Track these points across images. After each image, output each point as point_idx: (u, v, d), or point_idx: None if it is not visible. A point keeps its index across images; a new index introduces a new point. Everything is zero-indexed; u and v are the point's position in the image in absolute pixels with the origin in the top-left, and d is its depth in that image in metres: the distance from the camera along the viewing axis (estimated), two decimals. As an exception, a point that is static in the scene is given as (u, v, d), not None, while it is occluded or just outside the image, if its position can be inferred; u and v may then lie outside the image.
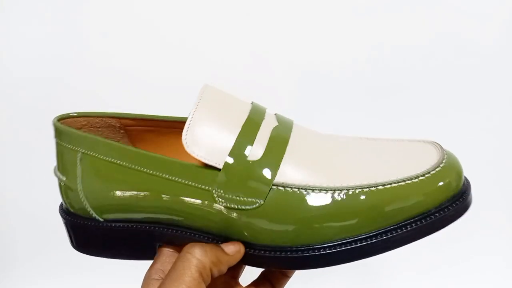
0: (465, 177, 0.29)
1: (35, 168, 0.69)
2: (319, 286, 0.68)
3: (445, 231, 0.27)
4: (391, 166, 0.28)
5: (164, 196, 0.30)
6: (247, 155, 0.28)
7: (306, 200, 0.27)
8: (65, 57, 0.68)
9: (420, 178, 0.27)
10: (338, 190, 0.27)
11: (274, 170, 0.28)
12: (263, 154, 0.28)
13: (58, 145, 0.34)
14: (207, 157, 0.28)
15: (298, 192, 0.27)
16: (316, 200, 0.27)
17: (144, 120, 0.37)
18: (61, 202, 0.35)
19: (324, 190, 0.27)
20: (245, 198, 0.28)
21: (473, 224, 0.65)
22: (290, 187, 0.28)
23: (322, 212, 0.27)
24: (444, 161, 0.28)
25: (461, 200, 0.27)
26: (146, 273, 0.30)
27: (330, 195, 0.27)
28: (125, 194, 0.31)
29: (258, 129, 0.29)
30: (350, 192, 0.27)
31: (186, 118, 0.30)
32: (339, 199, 0.27)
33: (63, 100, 0.67)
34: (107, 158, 0.31)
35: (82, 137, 0.32)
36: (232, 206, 0.28)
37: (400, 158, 0.29)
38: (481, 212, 0.60)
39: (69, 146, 0.32)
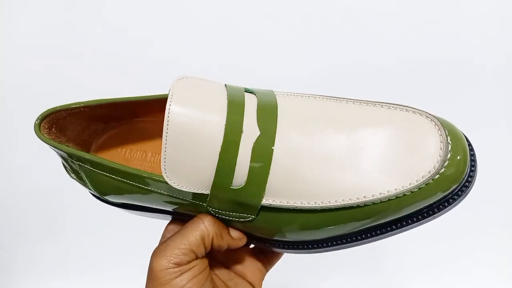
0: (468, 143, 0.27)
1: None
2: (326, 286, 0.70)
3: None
4: (389, 173, 0.26)
5: (163, 203, 0.31)
6: (230, 183, 0.27)
7: (294, 216, 0.28)
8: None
9: (431, 180, 0.25)
10: (328, 209, 0.27)
11: (260, 195, 0.27)
12: (246, 181, 0.27)
13: (57, 153, 0.33)
14: (192, 188, 0.28)
15: (286, 209, 0.28)
16: (306, 216, 0.28)
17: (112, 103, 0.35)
18: None
19: (313, 209, 0.27)
20: (239, 214, 0.29)
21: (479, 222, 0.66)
22: (277, 207, 0.28)
23: (311, 223, 0.28)
24: (450, 150, 0.25)
25: (466, 184, 0.26)
26: (162, 233, 0.34)
27: (320, 210, 0.27)
28: (127, 198, 0.32)
29: (237, 153, 0.26)
30: (346, 207, 0.26)
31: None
32: (331, 214, 0.27)
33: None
34: (97, 170, 0.31)
35: (71, 151, 0.31)
36: (228, 218, 0.30)
37: (399, 156, 0.26)
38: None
39: (66, 157, 0.32)
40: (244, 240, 0.31)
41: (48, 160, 0.62)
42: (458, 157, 0.25)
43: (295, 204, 0.27)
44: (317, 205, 0.27)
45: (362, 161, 0.26)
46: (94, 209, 0.65)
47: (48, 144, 0.32)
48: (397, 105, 0.28)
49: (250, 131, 0.27)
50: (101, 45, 0.67)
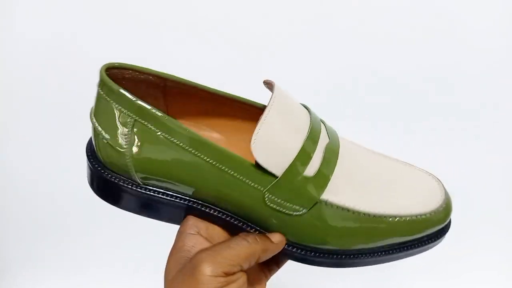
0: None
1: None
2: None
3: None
4: (412, 200, 0.33)
5: (214, 183, 0.31)
6: (304, 170, 0.31)
7: (341, 217, 0.32)
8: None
9: (432, 213, 0.33)
10: (368, 214, 0.32)
11: (322, 188, 0.31)
12: (316, 172, 0.31)
13: (106, 102, 0.31)
14: (268, 164, 0.30)
15: (337, 209, 0.32)
16: (349, 219, 0.32)
17: (187, 86, 0.36)
18: (90, 146, 0.34)
19: (357, 212, 0.32)
20: (292, 205, 0.31)
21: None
22: (331, 205, 0.32)
23: (352, 230, 0.32)
24: (446, 200, 0.34)
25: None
26: (180, 228, 0.33)
27: (362, 217, 0.32)
28: (174, 171, 0.31)
29: (316, 147, 0.32)
30: (378, 219, 0.32)
31: (230, 95, 0.35)
32: (368, 223, 0.32)
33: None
34: (163, 134, 0.30)
35: (138, 106, 0.30)
36: (278, 209, 0.31)
37: (416, 193, 0.34)
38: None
39: (121, 108, 0.31)
40: (284, 243, 0.33)
41: (48, 159, 0.64)
42: (445, 206, 0.34)
43: (346, 205, 0.31)
44: (363, 210, 0.31)
45: (398, 191, 0.34)
46: (95, 208, 0.63)
47: (117, 91, 0.30)
48: (423, 170, 0.36)
49: (324, 139, 0.33)
50: (103, 44, 0.67)
